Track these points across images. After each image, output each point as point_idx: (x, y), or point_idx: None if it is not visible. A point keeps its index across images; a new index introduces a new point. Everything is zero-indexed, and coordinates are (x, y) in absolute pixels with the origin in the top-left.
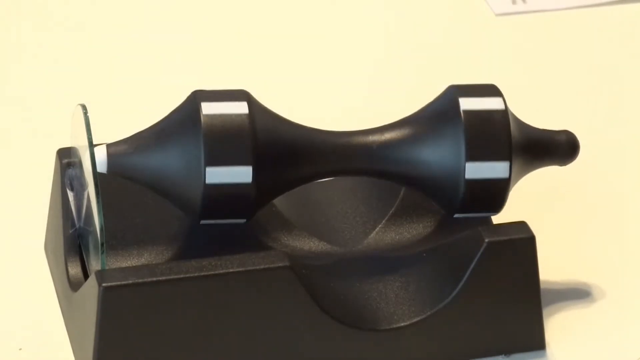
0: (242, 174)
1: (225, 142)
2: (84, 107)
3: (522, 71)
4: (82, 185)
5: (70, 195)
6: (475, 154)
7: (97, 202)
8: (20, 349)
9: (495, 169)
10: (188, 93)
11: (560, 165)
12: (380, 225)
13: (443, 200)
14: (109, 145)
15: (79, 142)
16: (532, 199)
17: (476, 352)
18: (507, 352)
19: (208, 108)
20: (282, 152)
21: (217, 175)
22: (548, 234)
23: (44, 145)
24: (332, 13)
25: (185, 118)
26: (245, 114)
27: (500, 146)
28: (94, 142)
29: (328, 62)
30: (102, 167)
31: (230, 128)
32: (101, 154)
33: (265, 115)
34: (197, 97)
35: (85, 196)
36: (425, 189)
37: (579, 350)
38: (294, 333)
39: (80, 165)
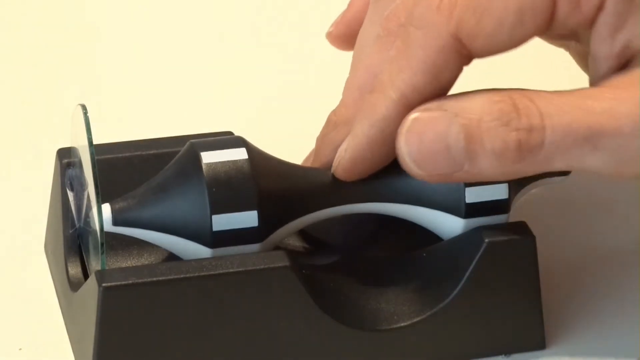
0: (248, 215)
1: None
2: (84, 107)
3: (522, 71)
4: (82, 185)
5: (70, 195)
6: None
7: (97, 202)
8: (20, 349)
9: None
10: (187, 93)
11: (558, 179)
12: (380, 225)
13: (448, 206)
14: (112, 203)
15: (79, 142)
16: (532, 199)
17: (476, 352)
18: (507, 352)
19: (208, 157)
20: (284, 194)
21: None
22: (548, 234)
23: (44, 145)
24: (331, 15)
25: (187, 167)
26: (245, 159)
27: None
28: (94, 142)
29: (328, 62)
30: (108, 224)
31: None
32: (106, 213)
33: (264, 160)
34: (194, 145)
35: (85, 196)
36: (426, 201)
37: (579, 350)
38: (294, 333)
39: (80, 165)
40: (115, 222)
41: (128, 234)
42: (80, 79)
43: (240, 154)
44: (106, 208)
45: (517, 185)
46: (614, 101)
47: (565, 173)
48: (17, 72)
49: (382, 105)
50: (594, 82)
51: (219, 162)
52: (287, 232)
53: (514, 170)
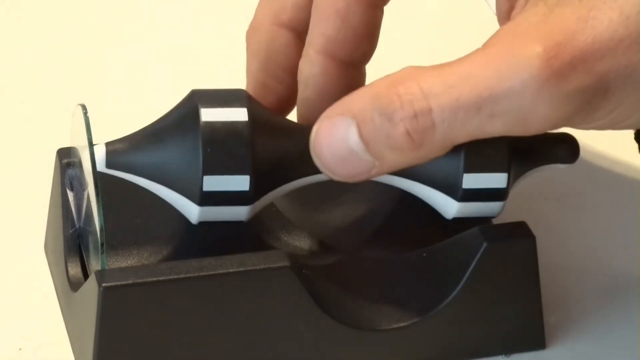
0: (240, 180)
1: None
2: (84, 107)
3: None
4: (82, 185)
5: (70, 195)
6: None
7: (97, 202)
8: (20, 349)
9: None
10: (187, 91)
11: (562, 165)
12: (380, 225)
13: (445, 187)
14: (107, 144)
15: (79, 142)
16: (532, 199)
17: (476, 352)
18: (507, 352)
19: (207, 114)
20: (280, 159)
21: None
22: (548, 234)
23: (44, 145)
24: None
25: (184, 116)
26: (244, 122)
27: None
28: (94, 142)
29: None
30: (100, 164)
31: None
32: (100, 153)
33: (264, 121)
34: (195, 96)
35: (85, 196)
36: (424, 178)
37: (579, 350)
38: (294, 333)
39: (80, 165)
40: (108, 165)
41: (120, 177)
42: (80, 79)
43: (241, 114)
44: (101, 149)
45: (519, 170)
46: (498, 62)
47: (570, 161)
48: (17, 72)
49: (307, 65)
50: (500, 22)
51: (218, 121)
52: (278, 195)
53: (422, 155)
